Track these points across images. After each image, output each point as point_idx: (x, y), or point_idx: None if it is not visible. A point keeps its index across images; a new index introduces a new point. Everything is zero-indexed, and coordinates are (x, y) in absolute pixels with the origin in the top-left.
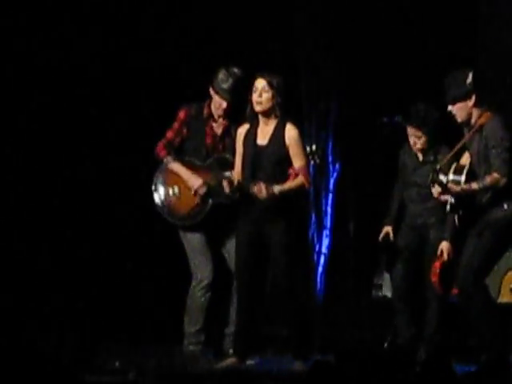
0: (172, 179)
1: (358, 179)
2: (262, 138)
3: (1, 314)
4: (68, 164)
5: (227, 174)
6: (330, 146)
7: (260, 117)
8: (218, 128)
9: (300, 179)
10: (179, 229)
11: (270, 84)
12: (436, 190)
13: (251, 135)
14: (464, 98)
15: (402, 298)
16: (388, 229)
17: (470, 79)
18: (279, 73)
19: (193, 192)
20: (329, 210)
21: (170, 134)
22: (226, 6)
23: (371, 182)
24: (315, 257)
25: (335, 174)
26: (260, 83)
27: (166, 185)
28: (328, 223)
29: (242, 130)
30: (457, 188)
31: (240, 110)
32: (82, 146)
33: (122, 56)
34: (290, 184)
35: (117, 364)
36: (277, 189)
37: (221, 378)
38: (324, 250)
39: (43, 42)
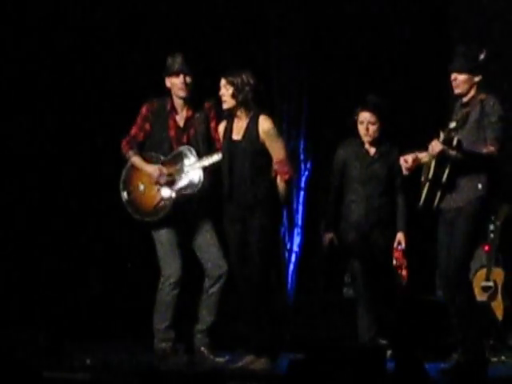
0: (136, 175)
1: (329, 177)
2: (237, 133)
3: None
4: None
5: (188, 166)
6: (302, 144)
7: (235, 112)
8: (180, 120)
9: (284, 177)
10: (149, 225)
11: (229, 82)
12: (436, 147)
13: (228, 131)
14: (473, 71)
15: (364, 300)
16: (331, 235)
17: (483, 56)
18: (251, 70)
19: (154, 182)
20: (300, 208)
21: (133, 130)
22: (199, 4)
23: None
24: (286, 255)
25: (306, 172)
26: (221, 82)
27: (131, 181)
28: (299, 221)
29: (221, 128)
30: (457, 151)
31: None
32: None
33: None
34: (282, 191)
35: (88, 361)
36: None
37: (191, 376)
38: (295, 247)
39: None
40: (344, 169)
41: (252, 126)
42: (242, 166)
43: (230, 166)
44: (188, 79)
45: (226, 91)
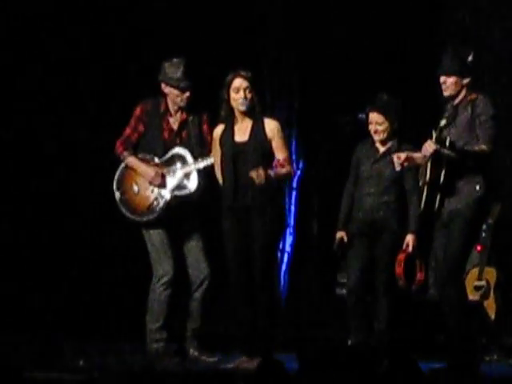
0: (130, 176)
1: (322, 177)
2: (240, 135)
3: None
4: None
5: (183, 168)
6: (294, 144)
7: (237, 115)
8: (174, 123)
9: (286, 169)
10: (141, 226)
11: (251, 83)
12: (429, 147)
13: (228, 134)
14: (462, 74)
15: (358, 299)
16: (342, 234)
17: (471, 58)
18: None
19: (148, 183)
20: (292, 208)
21: (127, 131)
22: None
23: (334, 179)
24: (279, 255)
25: (299, 172)
26: (243, 83)
27: (125, 182)
28: (291, 221)
29: (218, 131)
30: (451, 150)
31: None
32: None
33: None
34: (280, 170)
35: (81, 362)
36: (272, 173)
37: (184, 376)
38: (287, 248)
39: None
40: (357, 167)
41: (258, 127)
42: (249, 166)
43: (234, 167)
44: (190, 92)
45: (249, 93)
